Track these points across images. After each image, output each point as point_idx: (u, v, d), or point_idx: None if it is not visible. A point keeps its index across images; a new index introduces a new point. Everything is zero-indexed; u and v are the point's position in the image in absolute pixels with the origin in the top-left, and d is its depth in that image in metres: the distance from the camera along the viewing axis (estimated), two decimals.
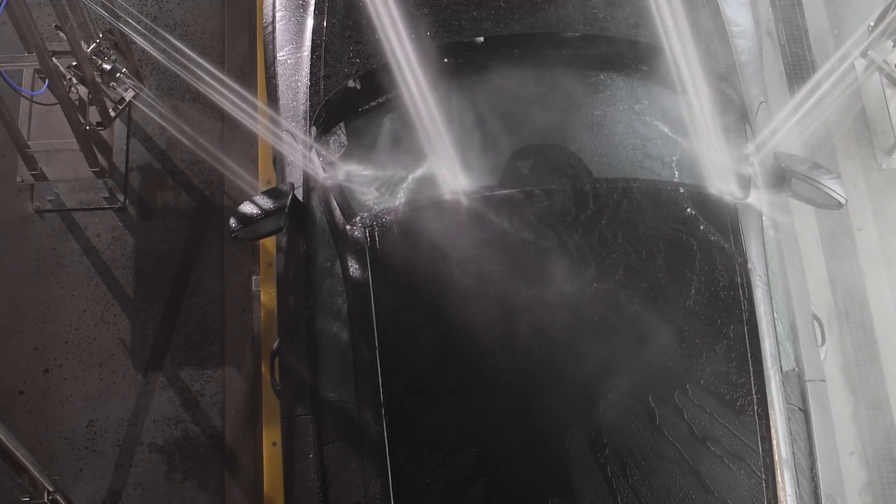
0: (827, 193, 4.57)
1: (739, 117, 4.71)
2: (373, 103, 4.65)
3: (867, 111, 6.21)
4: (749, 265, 4.22)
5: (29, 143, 5.59)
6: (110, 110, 5.69)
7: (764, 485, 3.92)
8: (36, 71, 5.68)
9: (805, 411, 4.26)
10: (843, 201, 4.59)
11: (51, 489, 4.18)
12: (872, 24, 5.95)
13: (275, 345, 4.65)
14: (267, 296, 5.73)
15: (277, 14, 5.13)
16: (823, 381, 4.50)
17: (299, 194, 4.65)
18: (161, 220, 5.97)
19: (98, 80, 5.45)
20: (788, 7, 6.53)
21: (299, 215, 4.60)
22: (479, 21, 4.68)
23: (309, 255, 4.52)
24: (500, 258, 4.14)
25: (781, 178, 4.58)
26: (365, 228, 4.26)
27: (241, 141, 6.10)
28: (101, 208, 5.97)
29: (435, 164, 4.34)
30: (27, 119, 5.70)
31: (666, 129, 4.57)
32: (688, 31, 4.41)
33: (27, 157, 5.58)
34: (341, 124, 4.68)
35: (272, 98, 5.01)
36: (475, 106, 4.54)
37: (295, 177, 4.76)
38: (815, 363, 4.46)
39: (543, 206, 4.23)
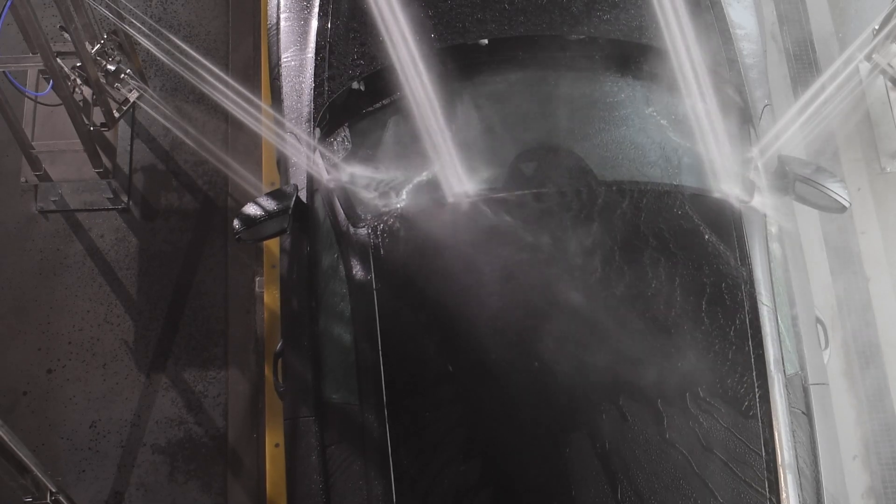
0: (831, 197, 4.58)
1: (743, 120, 4.71)
2: (377, 105, 4.65)
3: (871, 114, 6.21)
4: (752, 268, 4.22)
5: (33, 143, 5.60)
6: (114, 111, 5.70)
7: (767, 488, 3.92)
8: (40, 71, 5.69)
9: (808, 415, 4.26)
10: (846, 205, 4.59)
11: (53, 490, 4.18)
12: (877, 27, 5.95)
13: (278, 346, 4.66)
14: (270, 297, 5.73)
15: (282, 16, 5.14)
16: (826, 384, 4.50)
17: (303, 196, 4.66)
18: (165, 222, 5.97)
19: (102, 80, 5.45)
20: (793, 10, 6.53)
21: (303, 217, 4.60)
22: (484, 23, 4.68)
23: (312, 257, 4.52)
24: (504, 261, 4.14)
25: (785, 181, 4.58)
26: (368, 230, 4.26)
27: (245, 142, 6.10)
28: (104, 209, 5.98)
29: (439, 166, 4.34)
30: (31, 120, 5.71)
31: (670, 132, 4.57)
32: (692, 34, 4.41)
33: (31, 157, 5.59)
34: (345, 126, 4.68)
35: (276, 99, 5.02)
36: (479, 108, 4.54)
37: (299, 178, 4.76)
38: (818, 366, 4.46)
39: (547, 208, 4.23)
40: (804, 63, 6.39)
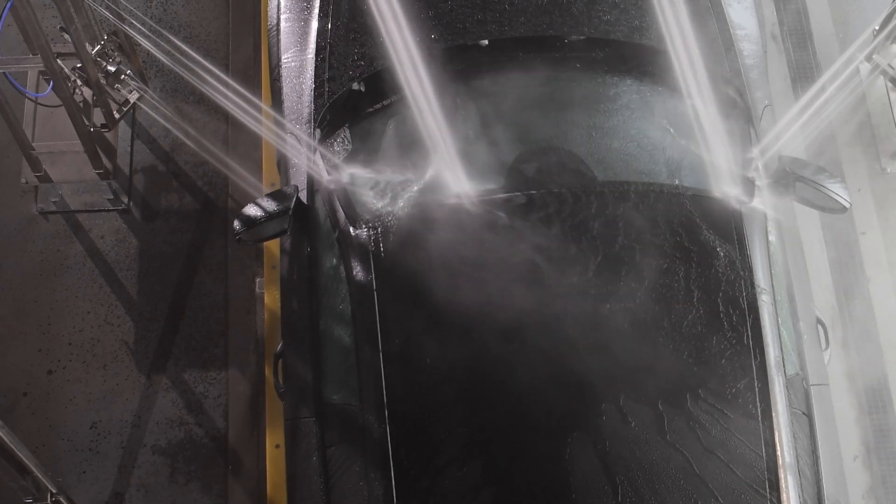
0: (831, 197, 4.57)
1: (744, 121, 4.71)
2: (377, 106, 4.65)
3: (872, 115, 6.21)
4: (753, 269, 4.22)
5: (33, 144, 5.59)
6: (115, 112, 5.70)
7: (768, 489, 3.92)
8: (40, 72, 5.69)
9: (809, 415, 4.26)
10: (847, 205, 4.59)
11: (54, 491, 4.18)
12: (877, 27, 5.95)
13: (278, 347, 4.65)
14: (270, 298, 5.73)
15: (282, 16, 5.14)
16: (827, 384, 4.50)
17: (303, 197, 4.66)
18: (165, 222, 5.97)
19: (102, 81, 5.45)
20: (793, 10, 6.53)
21: (303, 218, 4.60)
22: (484, 24, 4.68)
23: (312, 258, 4.52)
24: (505, 262, 4.14)
25: (786, 181, 4.58)
26: (369, 231, 4.26)
27: (246, 143, 6.10)
28: (105, 210, 5.98)
29: (439, 166, 4.34)
30: (31, 121, 5.71)
31: (670, 133, 4.56)
32: (692, 35, 4.41)
33: (31, 158, 5.59)
34: (345, 127, 4.68)
35: (276, 100, 5.01)
36: (479, 109, 4.54)
37: (299, 179, 4.76)
38: (818, 367, 4.46)
39: (548, 209, 4.23)
40: (804, 63, 6.38)
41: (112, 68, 5.42)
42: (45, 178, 5.75)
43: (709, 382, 4.01)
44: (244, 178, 5.90)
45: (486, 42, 4.65)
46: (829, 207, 4.63)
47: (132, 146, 6.12)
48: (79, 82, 5.39)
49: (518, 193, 4.29)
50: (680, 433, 3.93)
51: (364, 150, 4.59)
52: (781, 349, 4.18)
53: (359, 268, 4.23)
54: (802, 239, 4.97)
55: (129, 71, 5.54)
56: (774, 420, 4.00)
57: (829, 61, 6.31)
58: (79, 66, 5.29)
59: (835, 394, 5.36)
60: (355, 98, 4.71)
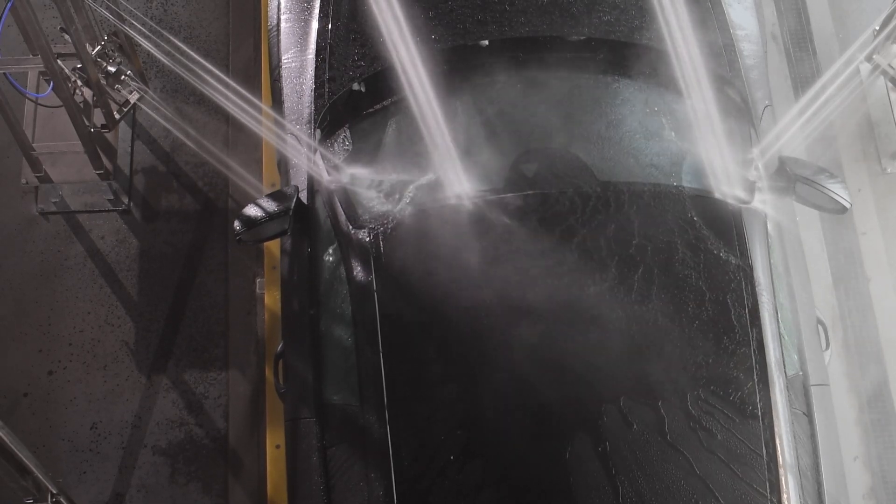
0: (831, 197, 4.58)
1: (744, 121, 4.71)
2: (377, 106, 4.65)
3: (872, 115, 6.21)
4: (753, 269, 4.22)
5: (34, 145, 5.60)
6: (115, 112, 5.70)
7: (768, 489, 3.91)
8: (41, 73, 5.69)
9: (809, 415, 4.25)
10: (847, 205, 4.59)
11: (54, 491, 4.18)
12: (877, 27, 5.95)
13: (279, 348, 4.66)
14: (271, 298, 5.73)
15: (282, 17, 5.14)
16: (827, 385, 4.50)
17: (303, 197, 4.66)
18: (165, 223, 5.97)
19: (103, 82, 5.45)
20: (793, 11, 6.53)
21: (303, 218, 4.60)
22: (484, 24, 4.68)
23: (313, 259, 4.52)
24: (505, 262, 4.14)
25: (786, 182, 4.58)
26: (369, 232, 4.26)
27: (246, 143, 6.10)
28: (105, 210, 5.98)
29: (439, 167, 4.34)
30: (32, 121, 5.71)
31: (671, 133, 4.57)
32: (692, 35, 4.41)
33: (32, 159, 5.59)
34: (346, 127, 4.68)
35: (277, 101, 5.02)
36: (480, 109, 4.54)
37: (299, 180, 4.76)
38: (819, 367, 4.46)
39: (548, 209, 4.23)
40: (805, 64, 6.38)
41: (112, 69, 5.42)
42: (46, 179, 5.76)
43: (709, 382, 4.01)
44: (244, 179, 5.90)
45: (486, 42, 4.65)
46: (830, 208, 4.63)
47: (132, 147, 6.12)
48: (79, 83, 5.39)
49: (517, 194, 4.29)
50: (680, 433, 3.93)
51: (364, 150, 4.59)
52: (782, 349, 4.17)
53: (359, 268, 4.23)
54: (802, 239, 4.97)
55: (129, 71, 5.54)
56: (775, 420, 4.00)
57: (829, 61, 6.31)
58: (79, 66, 5.29)
59: (835, 394, 5.36)
60: (355, 98, 4.71)
